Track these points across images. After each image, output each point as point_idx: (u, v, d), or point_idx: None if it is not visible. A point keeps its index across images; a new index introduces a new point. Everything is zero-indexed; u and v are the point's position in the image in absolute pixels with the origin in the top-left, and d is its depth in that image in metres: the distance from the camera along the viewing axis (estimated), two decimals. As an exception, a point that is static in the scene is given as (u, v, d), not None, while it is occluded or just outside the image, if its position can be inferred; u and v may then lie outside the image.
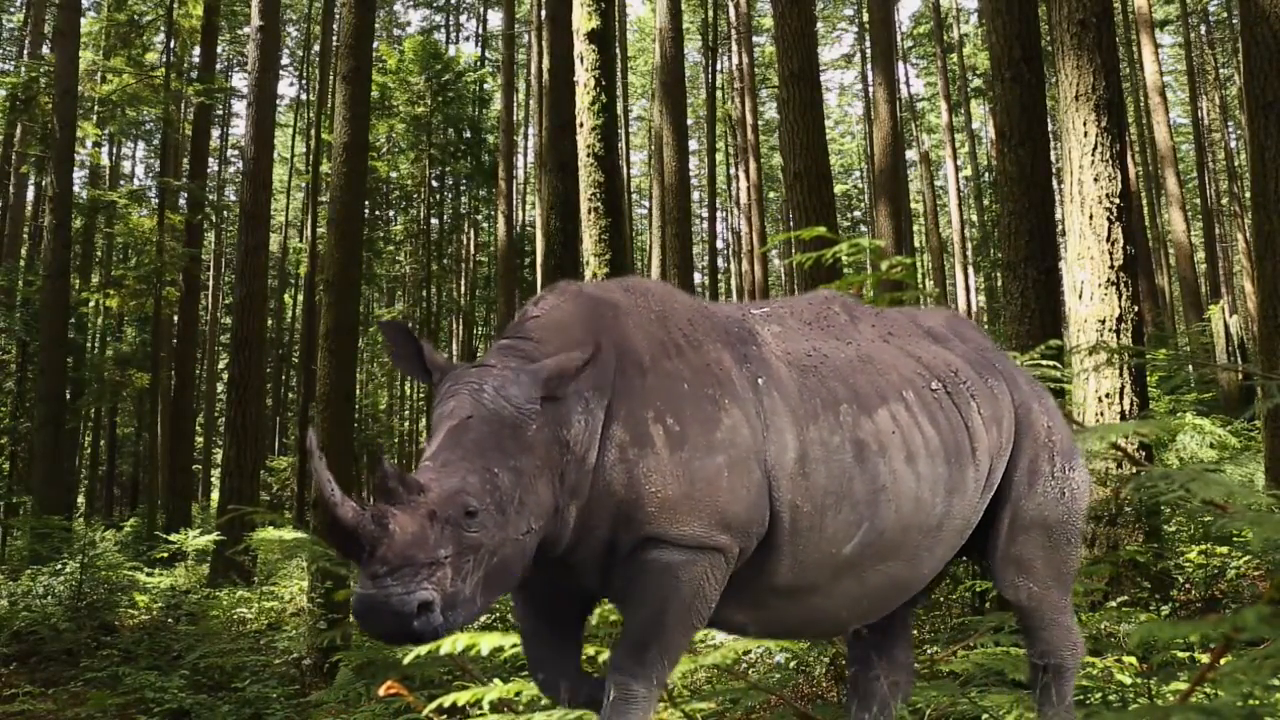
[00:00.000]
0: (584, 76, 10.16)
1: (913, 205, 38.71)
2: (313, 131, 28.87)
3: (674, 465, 2.57)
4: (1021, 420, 3.15)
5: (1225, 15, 34.12)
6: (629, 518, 2.56)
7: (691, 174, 36.45)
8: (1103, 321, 7.34)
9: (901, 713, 3.31)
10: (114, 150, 37.99)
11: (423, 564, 2.24)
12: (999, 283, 23.81)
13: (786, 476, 2.69)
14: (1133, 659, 4.24)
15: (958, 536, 3.00)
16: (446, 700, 3.07)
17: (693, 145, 40.93)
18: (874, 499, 2.78)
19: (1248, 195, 11.96)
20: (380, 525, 2.22)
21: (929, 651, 5.05)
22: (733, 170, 39.46)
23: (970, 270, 37.92)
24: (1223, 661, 2.03)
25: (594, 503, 2.57)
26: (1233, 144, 36.45)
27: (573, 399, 2.54)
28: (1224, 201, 37.82)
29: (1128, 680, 4.07)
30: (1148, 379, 8.26)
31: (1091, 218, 7.49)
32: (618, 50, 25.52)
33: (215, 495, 27.40)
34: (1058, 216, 8.96)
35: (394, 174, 36.08)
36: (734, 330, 2.89)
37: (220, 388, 35.07)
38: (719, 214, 39.81)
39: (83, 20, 23.25)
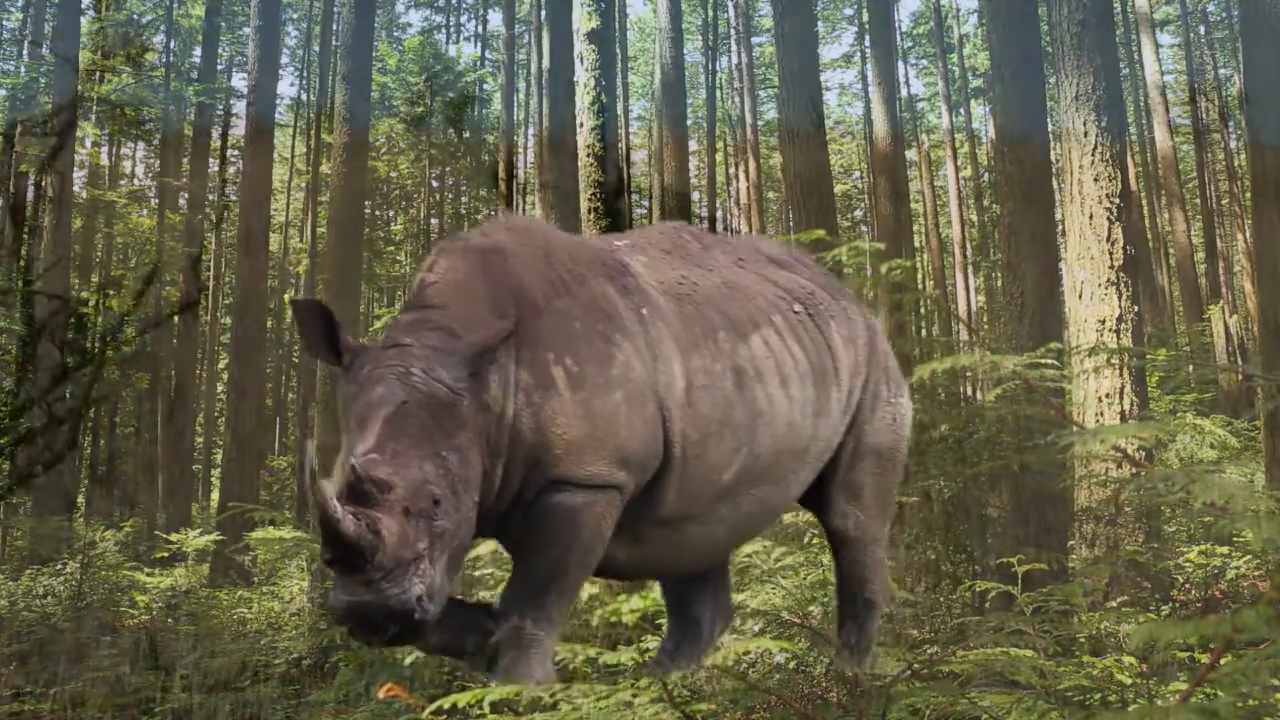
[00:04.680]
0: (584, 76, 10.17)
1: (913, 205, 38.66)
2: (313, 131, 28.86)
3: (575, 406, 2.57)
4: (870, 342, 3.16)
5: (1225, 15, 34.09)
6: (537, 460, 2.57)
7: (691, 174, 36.42)
8: (1103, 321, 7.34)
9: (901, 713, 3.30)
10: (114, 150, 37.99)
11: (409, 561, 2.27)
12: (999, 283, 23.78)
13: (677, 406, 2.69)
14: (1133, 659, 4.24)
15: (819, 460, 3.02)
16: (446, 702, 3.06)
17: (693, 145, 40.89)
18: (752, 424, 2.78)
19: (1248, 195, 11.94)
20: (375, 533, 2.22)
21: (929, 651, 5.03)
22: (732, 170, 39.44)
23: (970, 270, 37.88)
24: (1223, 661, 2.03)
25: (510, 453, 2.57)
26: (1233, 144, 36.42)
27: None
28: (1224, 201, 37.79)
29: (1128, 680, 4.06)
30: (1148, 379, 8.26)
31: (1091, 218, 7.49)
32: (618, 50, 25.48)
33: (215, 495, 27.39)
34: (1058, 216, 8.95)
35: (394, 174, 36.07)
36: (609, 263, 2.87)
37: (220, 388, 35.04)
38: (719, 214, 39.77)
39: (83, 20, 23.25)
